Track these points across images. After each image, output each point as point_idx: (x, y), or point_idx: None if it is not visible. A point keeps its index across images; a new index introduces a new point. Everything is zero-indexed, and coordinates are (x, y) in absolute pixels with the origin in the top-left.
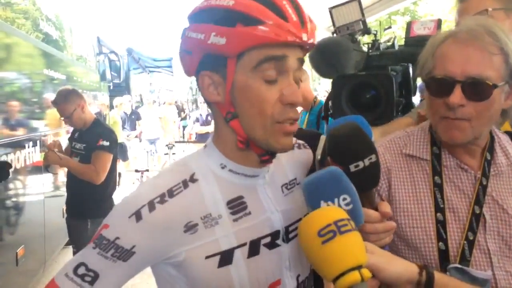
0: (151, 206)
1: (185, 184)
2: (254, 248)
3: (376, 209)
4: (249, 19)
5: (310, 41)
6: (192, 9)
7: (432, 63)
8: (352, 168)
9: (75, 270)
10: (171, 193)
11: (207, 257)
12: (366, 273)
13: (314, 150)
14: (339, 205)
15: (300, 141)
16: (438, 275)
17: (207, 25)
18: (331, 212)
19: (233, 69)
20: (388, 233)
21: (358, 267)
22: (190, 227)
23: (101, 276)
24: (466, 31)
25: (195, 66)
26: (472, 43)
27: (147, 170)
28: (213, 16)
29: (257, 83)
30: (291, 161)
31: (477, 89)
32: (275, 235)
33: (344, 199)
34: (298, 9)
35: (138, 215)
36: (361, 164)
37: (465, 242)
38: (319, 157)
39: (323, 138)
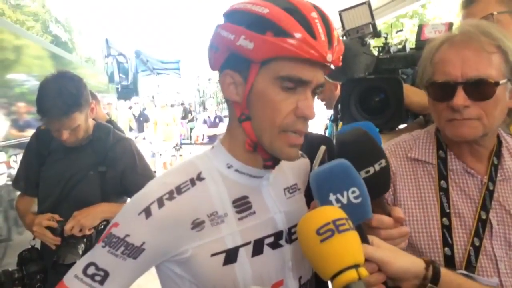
0: (160, 202)
1: (192, 182)
2: (258, 247)
3: (388, 214)
4: (279, 30)
5: (335, 61)
6: (229, 7)
7: (431, 69)
8: (363, 174)
9: (84, 271)
10: (179, 190)
11: (212, 255)
12: (363, 272)
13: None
14: (348, 198)
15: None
16: (444, 271)
17: (239, 27)
18: (330, 211)
19: (255, 74)
20: (403, 238)
21: (356, 266)
22: (197, 224)
23: (111, 275)
24: (461, 34)
25: (220, 63)
26: (468, 45)
27: (155, 172)
28: (246, 20)
29: (275, 92)
30: (292, 167)
31: (480, 89)
32: (278, 235)
33: (353, 192)
34: (328, 29)
35: (147, 212)
36: (371, 170)
37: (471, 248)
38: (316, 167)
39: (322, 148)
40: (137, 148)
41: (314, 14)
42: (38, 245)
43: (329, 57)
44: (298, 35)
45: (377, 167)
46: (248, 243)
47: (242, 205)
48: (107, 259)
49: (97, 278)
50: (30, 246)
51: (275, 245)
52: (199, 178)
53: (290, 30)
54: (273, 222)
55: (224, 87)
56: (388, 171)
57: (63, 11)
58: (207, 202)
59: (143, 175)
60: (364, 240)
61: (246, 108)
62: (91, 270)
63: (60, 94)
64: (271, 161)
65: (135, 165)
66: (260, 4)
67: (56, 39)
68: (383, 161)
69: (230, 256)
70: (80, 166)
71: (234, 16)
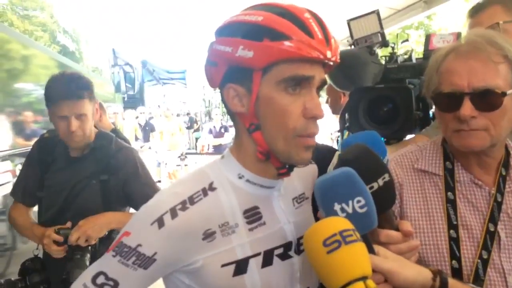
0: (173, 213)
1: (204, 192)
2: (267, 258)
3: (396, 228)
4: (276, 35)
5: (333, 58)
6: (220, 24)
7: (437, 79)
8: None
9: (93, 280)
10: (191, 200)
11: (223, 265)
12: (371, 284)
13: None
14: (354, 208)
15: None
16: (452, 281)
17: (235, 39)
18: (336, 222)
19: (258, 82)
20: (413, 252)
21: (363, 278)
22: (208, 235)
23: (121, 285)
24: (467, 44)
25: (220, 78)
26: (474, 55)
27: (159, 181)
28: (241, 31)
29: (281, 96)
30: (299, 176)
31: (487, 99)
32: (287, 246)
33: (359, 201)
34: (323, 27)
35: (160, 222)
36: (375, 185)
37: (478, 260)
38: None
39: (337, 154)
40: (139, 157)
41: (307, 15)
42: (40, 255)
43: (328, 54)
44: (295, 36)
45: (380, 182)
46: (258, 254)
47: (253, 215)
48: (118, 269)
49: None
50: (33, 256)
51: (284, 256)
52: (211, 188)
53: (287, 32)
54: (282, 233)
55: (228, 100)
56: (392, 185)
57: (71, 21)
58: (219, 212)
59: (145, 184)
60: (371, 250)
61: (254, 117)
62: (101, 280)
63: (71, 80)
64: (286, 168)
65: (137, 174)
66: (252, 14)
67: (63, 49)
68: (386, 176)
69: (240, 267)
70: (83, 175)
71: (228, 30)
